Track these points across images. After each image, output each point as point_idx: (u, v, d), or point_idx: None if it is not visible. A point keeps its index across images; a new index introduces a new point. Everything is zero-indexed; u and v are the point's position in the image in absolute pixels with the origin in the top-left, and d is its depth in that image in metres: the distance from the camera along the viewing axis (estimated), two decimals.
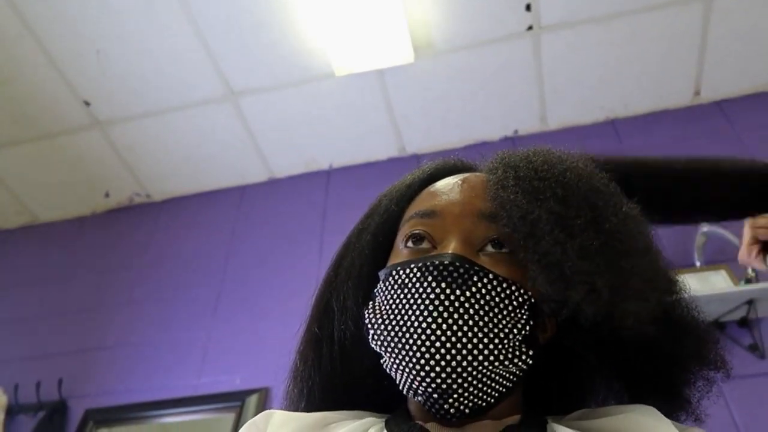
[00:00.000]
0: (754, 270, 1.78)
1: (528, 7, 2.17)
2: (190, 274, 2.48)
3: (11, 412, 2.19)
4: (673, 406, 0.60)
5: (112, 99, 2.44)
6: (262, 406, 1.98)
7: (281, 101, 2.45)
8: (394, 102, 2.45)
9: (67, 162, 2.66)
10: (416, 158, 2.59)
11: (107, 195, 2.79)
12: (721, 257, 1.91)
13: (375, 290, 0.61)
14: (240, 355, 2.15)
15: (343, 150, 2.63)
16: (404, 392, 0.56)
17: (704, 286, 1.83)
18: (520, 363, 0.54)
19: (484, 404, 0.54)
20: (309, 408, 0.66)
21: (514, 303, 0.55)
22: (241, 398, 2.01)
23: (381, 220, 0.67)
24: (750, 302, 1.73)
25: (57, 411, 2.16)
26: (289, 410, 0.67)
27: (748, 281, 1.78)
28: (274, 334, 2.11)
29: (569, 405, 0.64)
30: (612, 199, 0.58)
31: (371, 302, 0.61)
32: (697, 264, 1.91)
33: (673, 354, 0.57)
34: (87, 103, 2.44)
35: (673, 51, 2.30)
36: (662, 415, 0.55)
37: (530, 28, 2.22)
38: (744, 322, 1.78)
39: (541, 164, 0.59)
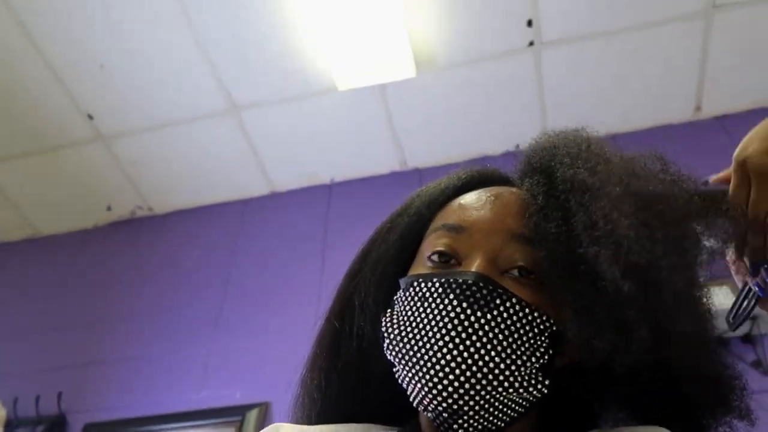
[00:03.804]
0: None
1: (530, 23, 2.18)
2: (191, 287, 2.47)
3: (10, 426, 2.17)
4: None
5: (115, 113, 2.44)
6: (263, 420, 1.97)
7: (283, 115, 2.45)
8: (395, 116, 2.46)
9: (69, 175, 2.66)
10: (418, 172, 2.59)
11: (109, 208, 2.79)
12: (724, 273, 1.90)
13: (395, 297, 0.60)
14: (240, 370, 2.14)
15: (345, 164, 2.63)
16: (415, 405, 0.55)
17: None
18: (535, 392, 0.53)
19: (494, 428, 0.53)
20: (325, 400, 0.65)
21: (535, 330, 0.53)
22: (242, 413, 2.00)
23: (410, 221, 0.65)
24: (754, 318, 1.73)
25: (56, 425, 2.14)
26: (303, 400, 0.66)
27: None
28: (275, 348, 2.10)
29: (585, 422, 0.63)
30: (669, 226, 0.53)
31: (389, 310, 0.60)
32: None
33: (700, 399, 0.56)
34: (90, 117, 2.45)
35: (673, 66, 2.30)
36: None
37: (532, 43, 2.23)
38: (748, 339, 1.77)
39: (594, 183, 0.54)
